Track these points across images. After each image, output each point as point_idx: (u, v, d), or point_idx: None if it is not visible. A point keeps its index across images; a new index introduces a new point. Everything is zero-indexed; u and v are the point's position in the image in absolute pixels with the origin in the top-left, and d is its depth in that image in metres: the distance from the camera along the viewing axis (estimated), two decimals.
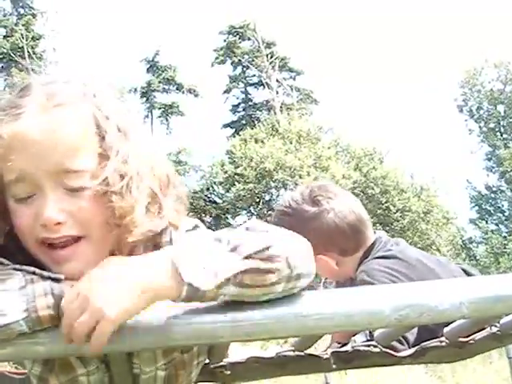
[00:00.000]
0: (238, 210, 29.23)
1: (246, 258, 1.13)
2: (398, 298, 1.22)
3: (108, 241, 1.25)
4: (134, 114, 1.40)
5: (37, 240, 1.22)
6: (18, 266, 1.18)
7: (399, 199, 25.24)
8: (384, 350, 1.71)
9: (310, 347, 1.55)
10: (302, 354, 1.59)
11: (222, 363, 1.58)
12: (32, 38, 32.19)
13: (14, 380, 1.68)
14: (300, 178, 24.95)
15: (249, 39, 36.07)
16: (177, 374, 1.32)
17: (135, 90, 35.71)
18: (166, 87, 36.65)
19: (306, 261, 1.22)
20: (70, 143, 1.21)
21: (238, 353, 1.67)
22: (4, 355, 1.15)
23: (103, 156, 1.24)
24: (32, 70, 29.26)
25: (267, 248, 1.14)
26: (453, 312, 1.24)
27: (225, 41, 36.63)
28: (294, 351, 1.59)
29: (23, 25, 32.38)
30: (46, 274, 1.17)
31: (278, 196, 28.29)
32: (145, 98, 36.24)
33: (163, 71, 36.21)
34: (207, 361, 1.48)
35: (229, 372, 1.56)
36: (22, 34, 31.38)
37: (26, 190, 1.21)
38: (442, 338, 1.79)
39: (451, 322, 1.75)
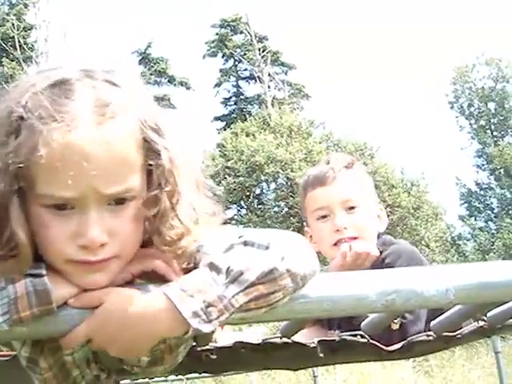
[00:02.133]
0: (228, 203, 29.19)
1: (249, 287, 1.11)
2: (385, 283, 1.21)
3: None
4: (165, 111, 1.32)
5: (69, 259, 1.13)
6: None
7: (389, 195, 25.24)
8: (371, 341, 1.70)
9: (296, 333, 1.55)
10: (289, 341, 1.58)
11: (208, 347, 1.58)
12: (23, 28, 31.98)
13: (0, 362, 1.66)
14: (291, 171, 24.94)
15: (241, 33, 36.02)
16: (163, 357, 1.31)
17: None
18: (158, 79, 36.58)
19: (309, 262, 1.19)
20: (122, 160, 1.13)
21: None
22: None
23: (150, 172, 1.17)
24: (23, 60, 29.14)
25: (270, 271, 1.12)
26: (439, 298, 1.24)
27: (217, 34, 36.58)
28: (280, 338, 1.59)
29: (14, 14, 32.16)
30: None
31: (268, 190, 28.30)
32: None
33: (155, 63, 36.13)
34: (194, 343, 1.47)
35: (215, 356, 1.55)
36: (13, 24, 31.16)
37: (66, 203, 1.12)
38: (430, 333, 1.79)
39: (438, 316, 1.76)
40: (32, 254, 1.14)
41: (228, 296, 1.10)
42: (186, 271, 1.20)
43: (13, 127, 1.12)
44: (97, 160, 1.09)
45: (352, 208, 2.25)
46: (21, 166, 1.09)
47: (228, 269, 1.11)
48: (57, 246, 1.12)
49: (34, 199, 1.12)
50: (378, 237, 2.29)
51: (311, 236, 2.32)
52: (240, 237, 1.19)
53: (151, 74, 36.02)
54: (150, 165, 1.17)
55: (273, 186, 27.71)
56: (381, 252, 2.20)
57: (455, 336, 1.80)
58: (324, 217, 2.28)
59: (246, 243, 1.16)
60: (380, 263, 2.15)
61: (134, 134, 1.15)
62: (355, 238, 2.22)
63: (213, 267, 1.12)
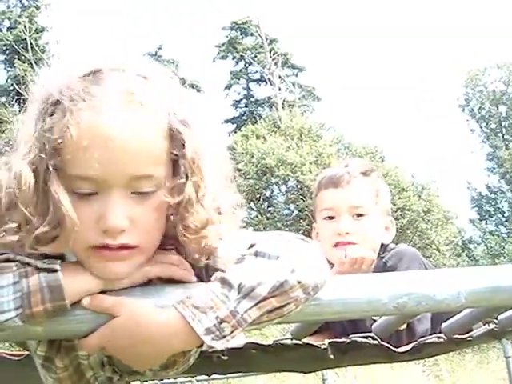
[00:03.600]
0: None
1: (261, 301, 1.11)
2: (397, 286, 1.22)
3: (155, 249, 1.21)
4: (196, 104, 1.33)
5: (91, 244, 1.14)
6: (12, 256, 1.14)
7: (400, 198, 25.17)
8: (381, 342, 1.71)
9: (307, 335, 1.55)
10: (300, 342, 1.59)
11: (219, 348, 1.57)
12: (35, 30, 32.13)
13: (12, 361, 1.67)
14: (301, 174, 24.92)
15: (251, 35, 36.03)
16: (175, 360, 1.32)
17: None
18: None
19: (320, 272, 1.19)
20: (149, 147, 1.15)
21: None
22: (2, 336, 1.14)
23: (175, 162, 1.18)
24: (35, 62, 29.26)
25: (281, 285, 1.12)
26: (451, 302, 1.24)
27: (227, 36, 36.61)
28: (291, 339, 1.59)
29: (27, 17, 32.32)
30: (40, 264, 1.13)
31: (278, 192, 28.29)
32: None
33: (165, 66, 36.00)
34: None
35: (226, 358, 1.56)
36: (25, 26, 31.30)
37: (91, 186, 1.13)
38: (440, 335, 1.80)
39: (449, 318, 1.76)
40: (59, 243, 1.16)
41: (240, 311, 1.10)
42: (199, 271, 1.21)
43: (50, 109, 1.16)
44: (122, 142, 1.12)
45: (359, 215, 2.25)
46: (55, 144, 1.13)
47: (240, 285, 1.11)
48: (80, 231, 1.13)
49: (63, 182, 1.14)
50: (382, 246, 2.29)
51: (318, 233, 2.34)
52: (252, 246, 1.18)
53: None
54: (176, 155, 1.18)
55: (283, 188, 27.70)
56: (382, 257, 2.21)
57: (466, 338, 1.80)
58: (330, 218, 2.28)
59: (256, 254, 1.15)
60: (382, 267, 2.16)
61: (160, 123, 1.17)
62: (354, 244, 2.22)
63: (225, 283, 1.12)
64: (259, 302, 1.11)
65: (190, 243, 1.18)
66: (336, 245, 2.24)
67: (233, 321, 1.10)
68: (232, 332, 1.11)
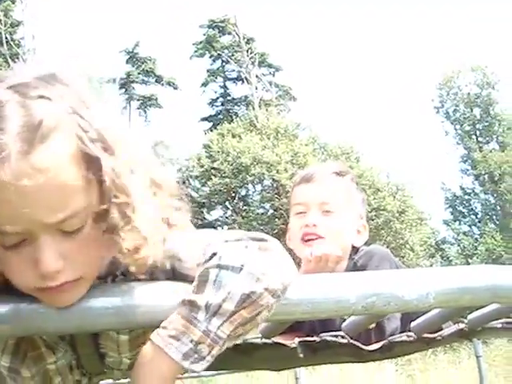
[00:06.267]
0: (213, 204, 29.17)
1: (231, 315, 1.10)
2: (365, 286, 1.22)
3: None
4: (120, 116, 1.25)
5: (33, 287, 1.10)
6: None
7: (374, 198, 25.32)
8: (351, 341, 1.71)
9: (277, 334, 1.55)
10: (270, 341, 1.59)
11: None
12: (10, 24, 31.81)
13: None
14: (277, 173, 24.98)
15: (229, 34, 36.01)
16: None
17: (114, 80, 35.51)
18: (145, 79, 36.53)
19: (287, 273, 1.17)
20: (58, 186, 1.04)
21: None
22: None
23: (95, 186, 1.09)
24: (10, 57, 28.98)
25: (248, 296, 1.10)
26: (419, 302, 1.24)
27: (204, 34, 36.55)
28: (261, 338, 1.59)
29: (2, 10, 31.95)
30: None
31: (254, 191, 28.32)
32: (123, 89, 36.07)
33: (143, 63, 36.07)
34: None
35: None
36: (0, 20, 30.99)
37: (16, 238, 1.07)
38: (410, 333, 1.80)
39: (418, 317, 1.77)
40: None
41: (213, 330, 1.10)
42: (167, 274, 1.21)
43: None
44: (30, 193, 1.03)
45: (329, 212, 2.27)
46: None
47: (207, 304, 1.10)
48: (20, 279, 1.10)
49: None
50: (353, 248, 2.30)
51: (289, 228, 2.36)
52: (213, 255, 1.15)
53: (139, 74, 35.97)
54: (98, 182, 1.09)
55: (258, 187, 27.74)
56: (353, 259, 2.23)
57: (435, 338, 1.81)
58: (301, 213, 2.30)
59: (219, 267, 1.12)
60: (352, 267, 2.18)
61: (70, 153, 1.06)
62: (323, 238, 2.23)
63: (192, 305, 1.11)
64: (229, 317, 1.10)
65: (129, 264, 1.15)
66: (303, 238, 2.25)
67: (208, 340, 1.10)
68: (210, 351, 1.10)
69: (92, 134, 1.09)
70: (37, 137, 1.03)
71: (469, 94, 34.60)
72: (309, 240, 2.24)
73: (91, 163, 1.08)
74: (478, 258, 29.31)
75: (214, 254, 1.15)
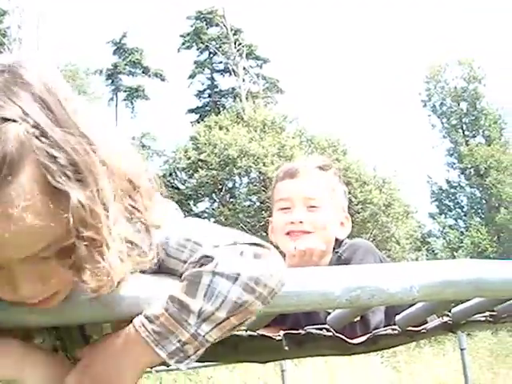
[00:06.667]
0: (200, 196, 29.17)
1: (221, 322, 1.11)
2: (350, 279, 1.23)
3: None
4: (101, 115, 1.11)
5: (13, 300, 1.09)
6: None
7: (361, 191, 25.40)
8: (336, 334, 1.72)
9: (262, 327, 1.55)
10: (255, 334, 1.59)
11: None
12: None
13: None
14: (263, 166, 24.98)
15: (216, 25, 35.90)
16: None
17: (101, 71, 35.35)
18: (132, 70, 36.34)
19: (279, 280, 1.16)
20: (27, 227, 0.97)
21: None
22: None
23: (63, 220, 0.99)
24: None
25: (241, 305, 1.11)
26: (403, 295, 1.26)
27: (192, 26, 36.42)
28: (246, 331, 1.59)
29: None
30: None
31: (240, 184, 28.32)
32: (110, 81, 35.90)
33: (130, 54, 35.88)
34: None
35: None
36: None
37: None
38: (395, 327, 1.82)
39: (403, 310, 1.78)
40: None
41: (202, 333, 1.11)
42: (154, 269, 1.20)
43: None
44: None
45: (313, 207, 2.27)
46: None
47: (200, 310, 1.10)
48: (4, 297, 1.09)
49: None
50: (337, 241, 2.31)
51: (273, 226, 2.36)
52: (206, 258, 1.13)
53: (126, 65, 35.79)
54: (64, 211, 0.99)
55: (245, 180, 27.76)
56: (337, 252, 2.24)
57: (420, 331, 1.82)
58: (285, 208, 2.31)
59: (214, 273, 1.11)
60: (336, 260, 2.19)
61: (36, 190, 0.98)
62: (309, 233, 2.24)
63: (183, 307, 1.11)
64: (219, 324, 1.11)
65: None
66: (288, 233, 2.26)
67: (195, 343, 1.11)
68: (196, 352, 1.12)
69: (61, 159, 0.98)
70: (4, 169, 0.95)
71: (455, 87, 34.71)
72: (294, 235, 2.25)
73: (59, 197, 0.98)
74: (463, 251, 29.47)
75: (207, 257, 1.14)
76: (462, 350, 7.59)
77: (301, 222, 2.25)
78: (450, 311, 1.82)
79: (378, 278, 1.24)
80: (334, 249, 2.27)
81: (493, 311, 1.80)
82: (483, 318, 1.82)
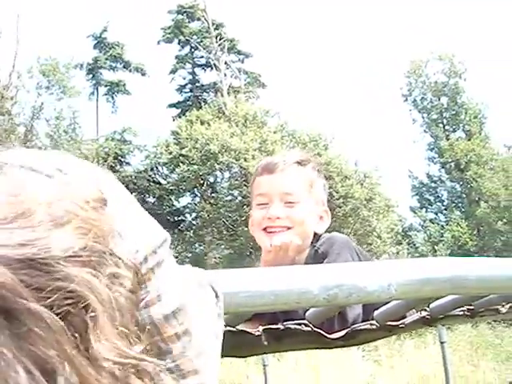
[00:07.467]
0: (181, 191, 29.13)
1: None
2: (327, 277, 1.23)
3: None
4: None
5: None
6: None
7: (342, 186, 25.50)
8: (315, 329, 1.73)
9: (241, 323, 1.55)
10: (234, 329, 1.59)
11: None
12: None
13: None
14: (245, 161, 24.98)
15: (198, 19, 35.77)
16: None
17: (81, 66, 35.10)
18: (113, 64, 36.11)
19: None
20: None
21: None
22: None
23: None
24: None
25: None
26: (381, 293, 1.26)
27: (173, 20, 36.27)
28: (225, 326, 1.59)
29: None
30: None
31: (222, 178, 28.31)
32: (91, 75, 35.66)
33: (110, 48, 35.65)
34: None
35: None
36: None
37: None
38: (373, 322, 1.83)
39: (381, 306, 1.79)
40: None
41: None
42: None
43: None
44: None
45: (291, 203, 2.28)
46: None
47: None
48: None
49: None
50: (315, 235, 2.31)
51: (252, 220, 2.36)
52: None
53: (106, 59, 35.56)
54: None
55: (227, 174, 27.78)
56: (314, 246, 2.25)
57: (398, 325, 1.84)
58: (263, 204, 2.31)
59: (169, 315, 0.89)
60: (314, 254, 2.20)
61: None
62: (289, 228, 2.25)
63: None
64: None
65: None
66: (265, 228, 2.26)
67: None
68: None
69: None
70: None
71: (436, 82, 34.88)
72: (271, 232, 2.25)
73: None
74: (444, 244, 29.67)
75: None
76: (442, 343, 7.66)
77: (278, 218, 2.25)
78: (428, 306, 1.83)
79: (356, 276, 1.25)
80: (311, 243, 2.28)
81: (470, 305, 1.81)
82: (461, 313, 1.84)
